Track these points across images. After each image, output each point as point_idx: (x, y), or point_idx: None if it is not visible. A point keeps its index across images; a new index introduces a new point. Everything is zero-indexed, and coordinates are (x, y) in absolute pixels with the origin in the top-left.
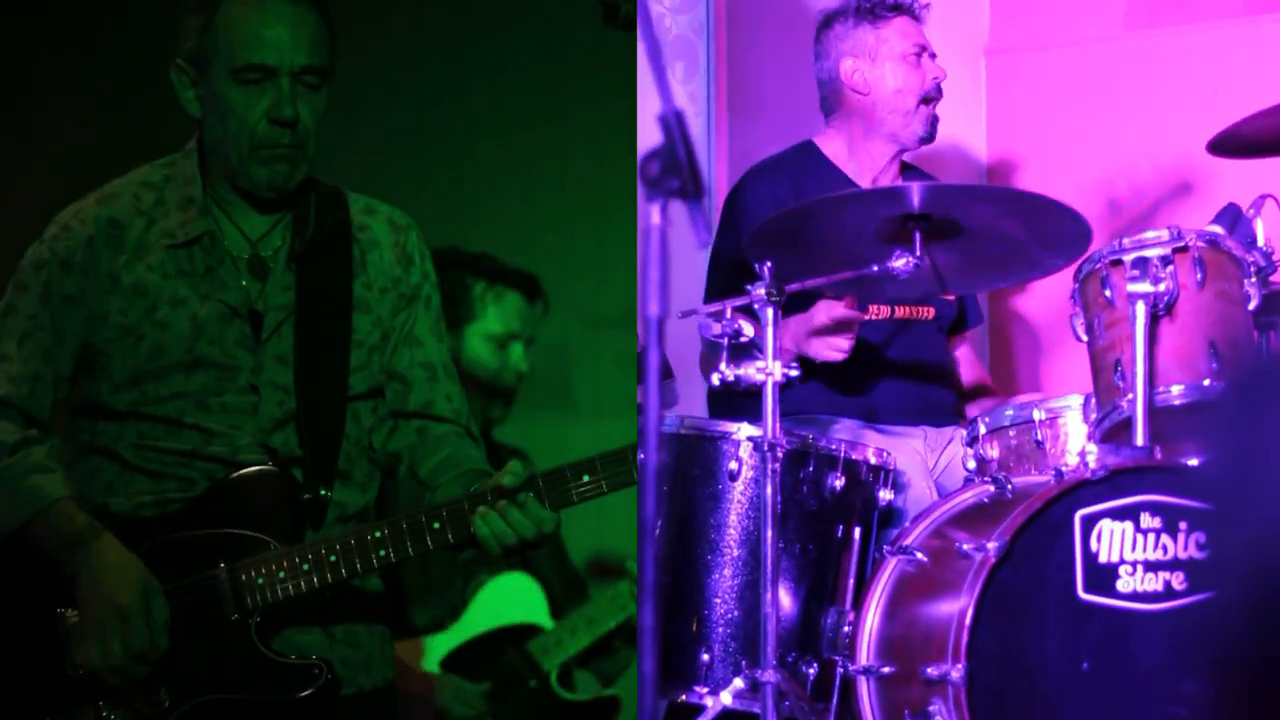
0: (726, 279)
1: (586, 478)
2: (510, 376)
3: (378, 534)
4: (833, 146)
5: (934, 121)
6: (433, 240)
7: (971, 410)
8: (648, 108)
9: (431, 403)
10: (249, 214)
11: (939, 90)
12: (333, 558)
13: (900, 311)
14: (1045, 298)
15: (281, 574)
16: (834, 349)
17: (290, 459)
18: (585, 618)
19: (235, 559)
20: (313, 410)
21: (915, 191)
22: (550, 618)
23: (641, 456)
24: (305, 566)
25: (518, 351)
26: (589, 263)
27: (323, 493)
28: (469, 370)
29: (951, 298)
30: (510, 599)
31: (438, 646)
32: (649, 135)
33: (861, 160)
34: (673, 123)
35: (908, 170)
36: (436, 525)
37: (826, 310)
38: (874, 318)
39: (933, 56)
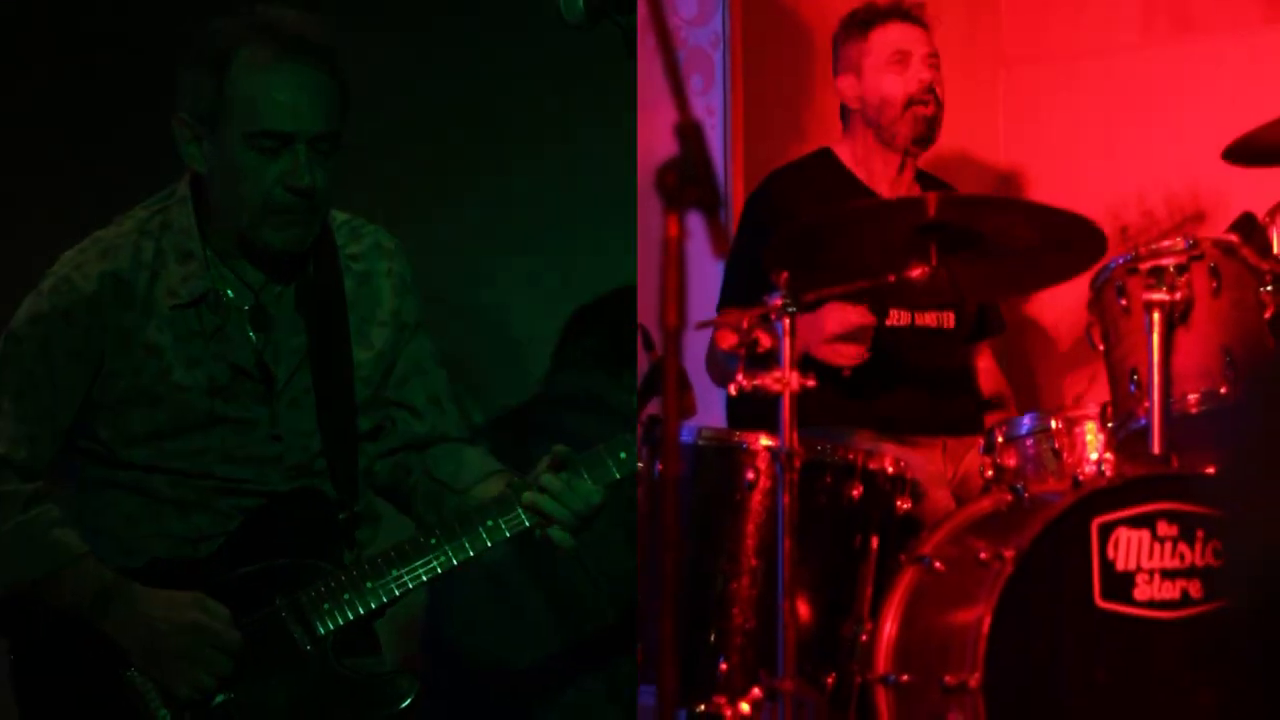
0: (742, 288)
1: (624, 454)
2: None
3: (433, 540)
4: (848, 154)
5: (925, 123)
6: (427, 264)
7: (990, 420)
8: (665, 119)
9: (442, 429)
10: (251, 266)
11: (928, 93)
12: (394, 571)
13: (921, 320)
14: (1062, 306)
15: (346, 595)
16: (843, 356)
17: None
18: None
19: (291, 588)
20: (335, 443)
21: (931, 203)
22: None
23: (660, 468)
24: (369, 584)
25: None
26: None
27: (356, 509)
28: None
29: (970, 306)
30: None
31: None
32: (666, 146)
33: (875, 168)
34: (690, 133)
35: (924, 178)
36: (490, 522)
37: (839, 318)
38: (894, 325)
39: (930, 60)
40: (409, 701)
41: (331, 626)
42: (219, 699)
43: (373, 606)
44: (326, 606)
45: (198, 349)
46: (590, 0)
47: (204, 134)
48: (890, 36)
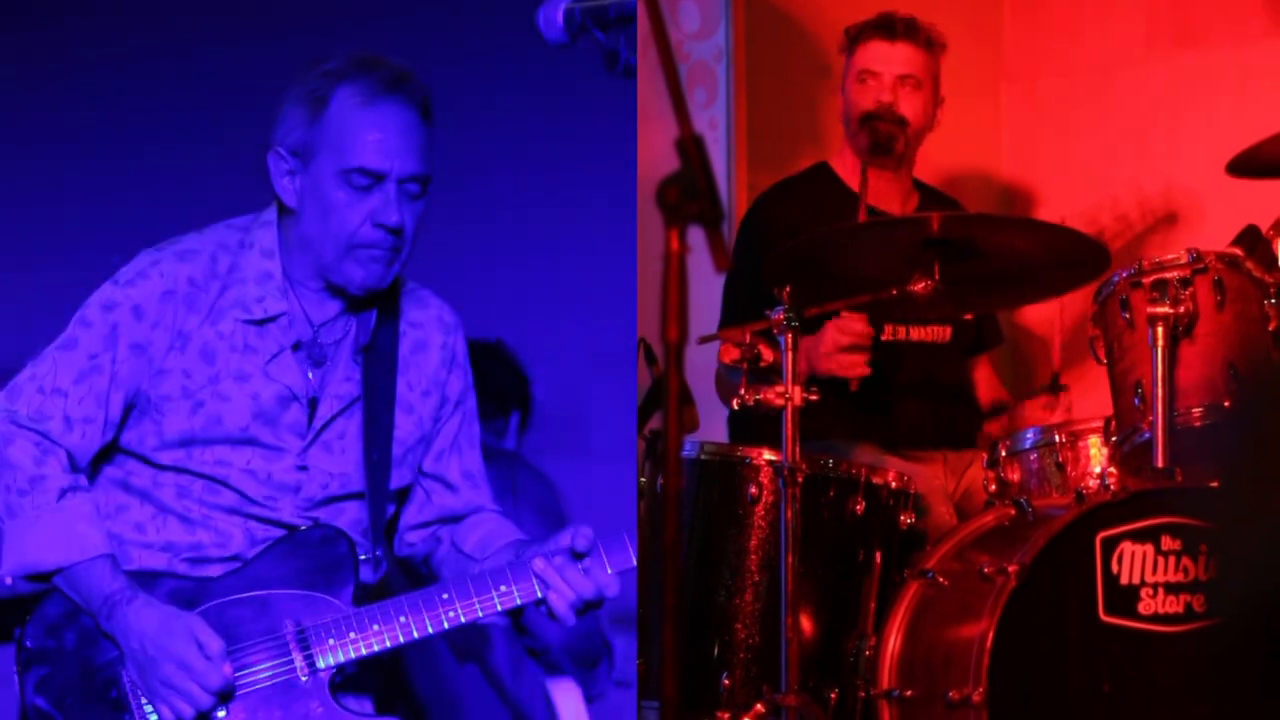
0: (742, 302)
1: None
2: None
3: (445, 595)
4: (846, 166)
5: (876, 134)
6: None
7: (992, 427)
8: (666, 134)
9: (476, 504)
10: (319, 300)
11: (886, 111)
12: (402, 618)
13: (917, 333)
14: (1066, 320)
15: (352, 634)
16: (845, 368)
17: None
18: None
19: (301, 619)
20: (375, 490)
21: (934, 222)
22: None
23: (662, 481)
24: (375, 627)
25: None
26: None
27: (377, 554)
28: None
29: (970, 317)
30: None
31: None
32: (667, 161)
33: (871, 181)
34: (690, 147)
35: (923, 191)
36: (503, 587)
37: (837, 326)
38: (890, 340)
39: (903, 81)
40: None
41: (332, 662)
42: (221, 715)
43: (375, 649)
44: (331, 642)
45: (252, 366)
46: (570, 19)
47: (298, 168)
48: (866, 54)
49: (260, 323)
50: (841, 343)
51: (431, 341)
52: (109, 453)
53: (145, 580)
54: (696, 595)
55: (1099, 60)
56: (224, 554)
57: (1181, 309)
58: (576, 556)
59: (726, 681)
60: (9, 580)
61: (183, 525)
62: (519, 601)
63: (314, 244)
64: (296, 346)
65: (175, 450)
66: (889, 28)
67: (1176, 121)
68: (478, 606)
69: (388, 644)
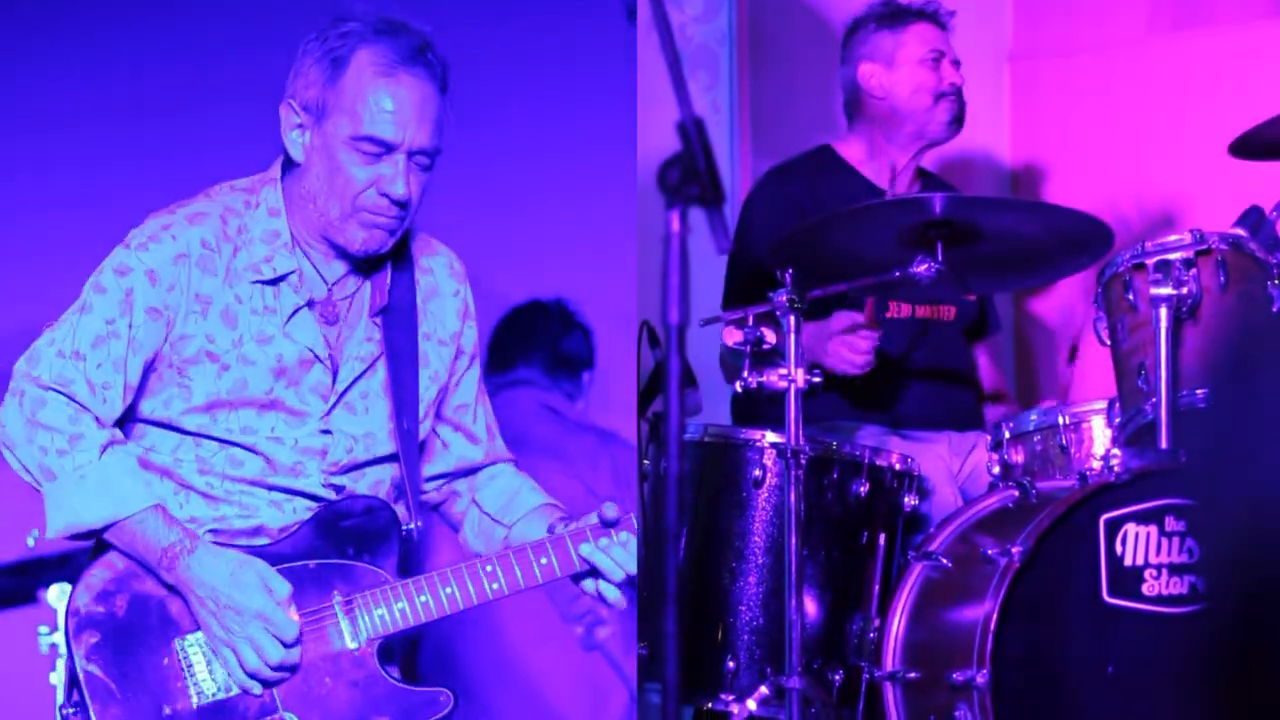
0: (744, 284)
1: None
2: None
3: (489, 567)
4: (852, 150)
5: (957, 107)
6: None
7: (990, 415)
8: (667, 115)
9: (495, 456)
10: (326, 258)
11: (957, 92)
12: (447, 589)
13: (921, 311)
14: (1068, 302)
15: (400, 605)
16: (850, 364)
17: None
18: None
19: (349, 589)
20: (408, 455)
21: (936, 203)
22: None
23: (664, 464)
24: (423, 598)
25: None
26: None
27: (418, 524)
28: None
29: (973, 298)
30: None
31: None
32: (669, 143)
33: (881, 163)
34: (691, 129)
35: (926, 178)
36: (544, 560)
37: (843, 326)
38: (895, 317)
39: (955, 64)
40: (447, 711)
41: (380, 631)
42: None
43: (422, 619)
44: (379, 612)
45: (272, 327)
46: None
47: (310, 124)
48: (927, 35)
49: (272, 282)
50: (844, 352)
51: (444, 289)
52: (129, 427)
53: None
54: (700, 578)
55: (1104, 39)
56: (248, 525)
57: (1185, 290)
58: (607, 529)
59: (730, 664)
60: (32, 543)
61: (206, 501)
62: (559, 573)
63: (319, 201)
64: (312, 304)
65: (200, 416)
66: (936, 15)
67: (1179, 102)
68: (520, 578)
69: (434, 614)
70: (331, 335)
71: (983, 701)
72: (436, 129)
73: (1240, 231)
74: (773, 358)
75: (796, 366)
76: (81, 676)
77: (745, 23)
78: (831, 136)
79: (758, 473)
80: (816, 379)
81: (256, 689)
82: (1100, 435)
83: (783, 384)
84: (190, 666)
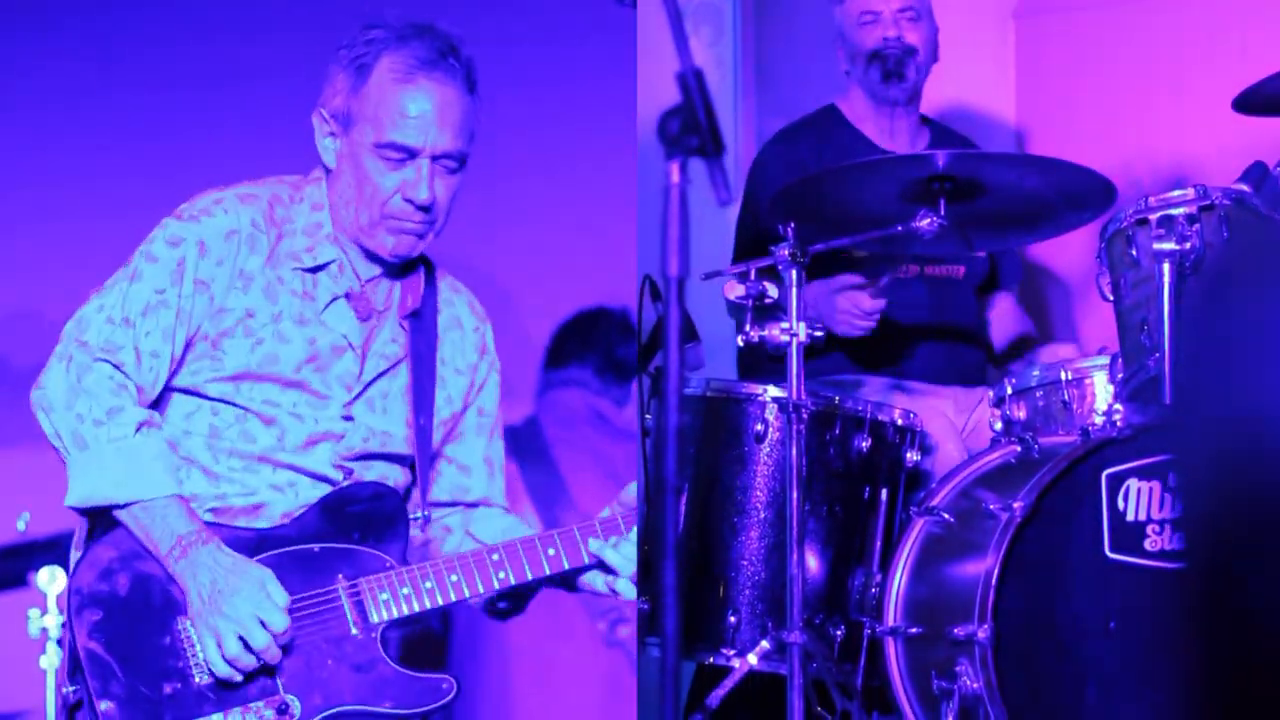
0: (753, 248)
1: None
2: None
3: (495, 556)
4: (854, 108)
5: (890, 61)
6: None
7: (1017, 366)
8: (667, 67)
9: (490, 494)
10: (361, 258)
11: (896, 42)
12: (454, 576)
13: (930, 269)
14: (1077, 255)
15: (406, 590)
16: (853, 325)
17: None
18: None
19: (354, 573)
20: (423, 449)
21: (939, 159)
22: None
23: (649, 418)
24: (428, 584)
25: None
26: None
27: (427, 513)
28: None
29: (981, 254)
30: None
31: None
32: (668, 94)
33: (881, 120)
34: (691, 80)
35: (931, 125)
36: (551, 551)
37: (848, 284)
38: (903, 275)
39: (906, 11)
40: (449, 699)
41: (385, 616)
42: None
43: (428, 606)
44: (384, 597)
45: (310, 312)
46: None
47: (339, 133)
48: None
49: (313, 270)
50: (854, 319)
51: (465, 323)
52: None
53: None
54: (702, 533)
55: None
56: (248, 503)
57: (1188, 246)
58: (605, 539)
59: (732, 619)
60: (22, 526)
61: (206, 478)
62: (566, 566)
63: (350, 208)
64: (349, 295)
65: (225, 384)
66: None
67: (1184, 57)
68: (527, 568)
69: (439, 602)
70: (364, 330)
71: (984, 657)
72: (462, 131)
73: (1244, 187)
74: (775, 312)
75: (799, 321)
76: (82, 655)
77: None
78: (836, 91)
79: (759, 427)
80: (818, 333)
81: (236, 677)
82: (1103, 391)
83: (784, 338)
84: (192, 646)
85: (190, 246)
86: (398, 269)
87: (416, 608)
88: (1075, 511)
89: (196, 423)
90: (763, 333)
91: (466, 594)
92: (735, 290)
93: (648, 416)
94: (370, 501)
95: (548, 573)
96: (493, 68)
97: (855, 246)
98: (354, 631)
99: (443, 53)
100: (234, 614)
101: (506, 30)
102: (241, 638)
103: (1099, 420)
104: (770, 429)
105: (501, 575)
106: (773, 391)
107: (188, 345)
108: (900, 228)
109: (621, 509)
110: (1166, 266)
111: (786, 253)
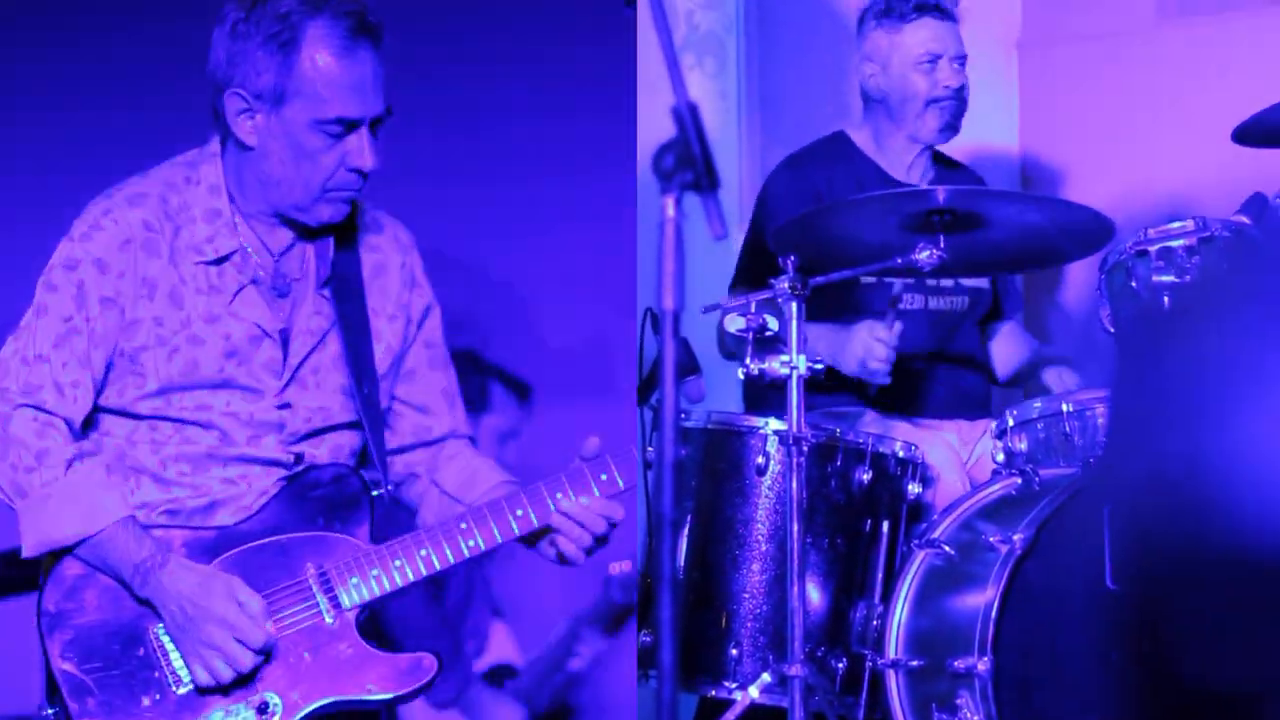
0: (759, 272)
1: (604, 475)
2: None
3: (463, 525)
4: (863, 137)
5: (949, 113)
6: (432, 244)
7: (1048, 375)
8: (664, 102)
9: (452, 426)
10: (272, 230)
11: (954, 94)
12: (423, 551)
13: (934, 303)
14: (1077, 289)
15: (376, 571)
16: (868, 368)
17: (353, 468)
18: None
19: (322, 560)
20: (371, 422)
21: (940, 194)
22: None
23: (651, 451)
24: (398, 562)
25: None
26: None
27: (389, 488)
28: None
29: (985, 286)
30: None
31: None
32: (667, 129)
33: (890, 152)
34: (686, 115)
35: (939, 160)
36: (520, 512)
37: (868, 325)
38: (908, 309)
39: (958, 60)
40: (432, 677)
41: (357, 599)
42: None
43: (399, 583)
44: (354, 580)
45: (219, 306)
46: None
47: (264, 110)
48: (922, 36)
49: (215, 262)
50: (863, 356)
51: (390, 263)
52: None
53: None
54: (703, 565)
55: (1112, 26)
56: (200, 504)
57: (1188, 278)
58: (588, 479)
59: (734, 652)
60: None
61: (156, 484)
62: (536, 525)
63: (282, 185)
64: (261, 279)
65: (154, 400)
66: (941, 7)
67: (1188, 89)
68: (496, 532)
69: (410, 578)
70: (283, 309)
71: (984, 689)
72: (387, 89)
73: (1243, 219)
74: (775, 344)
75: (798, 354)
76: (57, 676)
77: (753, 9)
78: (840, 123)
79: (761, 460)
80: (818, 366)
81: (217, 683)
82: (1104, 423)
83: (784, 371)
84: (167, 655)
85: (88, 267)
86: (309, 232)
87: (388, 587)
88: (1076, 544)
89: (139, 436)
90: (763, 365)
91: (437, 566)
92: (736, 323)
93: (649, 449)
94: (331, 485)
95: (517, 534)
96: (491, 104)
97: (855, 278)
98: (328, 620)
99: (361, 17)
100: (210, 640)
101: (507, 66)
102: (228, 663)
103: (1100, 452)
104: (771, 461)
105: (471, 543)
106: (774, 424)
107: (110, 365)
108: (899, 260)
109: (589, 463)
110: (1166, 299)
111: (786, 285)
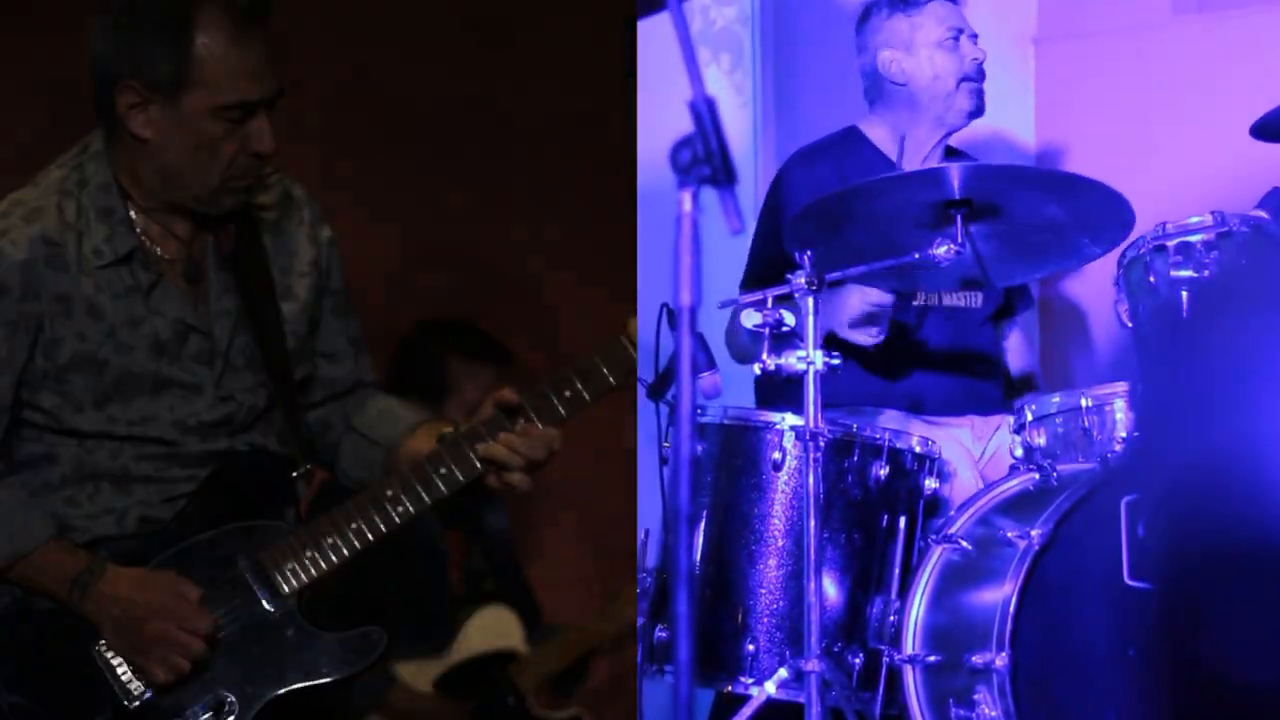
0: (768, 265)
1: (568, 392)
2: None
3: (389, 492)
4: (877, 132)
5: (979, 95)
6: (435, 242)
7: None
8: (680, 95)
9: (359, 374)
10: (169, 218)
11: (980, 71)
12: (353, 525)
13: (948, 300)
14: (1096, 283)
15: (309, 552)
16: (864, 335)
17: (268, 450)
18: (559, 643)
19: (252, 549)
20: (283, 400)
21: (955, 174)
22: (524, 644)
23: (667, 446)
24: (330, 540)
25: None
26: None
27: (307, 468)
28: None
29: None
30: (492, 628)
31: (433, 670)
32: (682, 123)
33: (907, 146)
34: (703, 110)
35: (952, 154)
36: (444, 470)
37: (859, 298)
38: (922, 304)
39: (973, 38)
40: (382, 650)
41: (295, 584)
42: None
43: (334, 560)
44: (289, 565)
45: (138, 307)
46: None
47: (158, 100)
48: (943, 13)
49: (118, 263)
50: (857, 313)
51: (287, 222)
52: (26, 431)
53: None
54: (720, 561)
55: (1129, 20)
56: (171, 497)
57: (1206, 273)
58: (507, 418)
59: (750, 647)
60: None
61: (115, 488)
62: (462, 480)
63: (182, 175)
64: (171, 271)
65: (95, 414)
66: None
67: (1204, 84)
68: (424, 494)
69: (345, 554)
70: (199, 296)
71: (1002, 685)
72: (278, 67)
73: (1262, 214)
74: (791, 340)
75: (815, 349)
76: (6, 710)
77: (769, 5)
78: (856, 118)
79: (777, 455)
80: (835, 361)
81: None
82: (1122, 418)
83: (801, 366)
84: (113, 669)
85: None
86: (206, 215)
87: (325, 566)
88: (1094, 539)
89: (92, 445)
90: (779, 360)
91: (370, 539)
92: (752, 319)
93: (665, 445)
94: (249, 471)
95: (445, 492)
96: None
97: (871, 274)
98: (269, 609)
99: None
100: (156, 634)
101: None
102: (174, 652)
103: (1119, 447)
104: (788, 457)
105: (400, 509)
106: (790, 420)
107: (24, 386)
108: (917, 255)
109: (497, 403)
110: (1184, 294)
111: (803, 280)
